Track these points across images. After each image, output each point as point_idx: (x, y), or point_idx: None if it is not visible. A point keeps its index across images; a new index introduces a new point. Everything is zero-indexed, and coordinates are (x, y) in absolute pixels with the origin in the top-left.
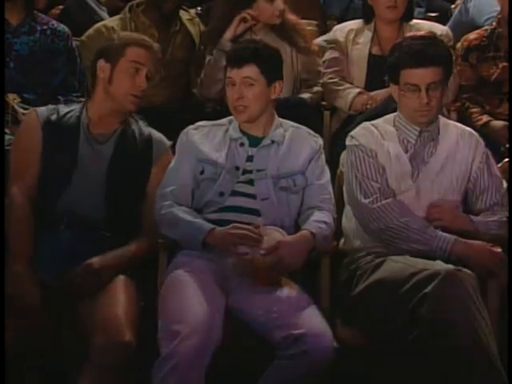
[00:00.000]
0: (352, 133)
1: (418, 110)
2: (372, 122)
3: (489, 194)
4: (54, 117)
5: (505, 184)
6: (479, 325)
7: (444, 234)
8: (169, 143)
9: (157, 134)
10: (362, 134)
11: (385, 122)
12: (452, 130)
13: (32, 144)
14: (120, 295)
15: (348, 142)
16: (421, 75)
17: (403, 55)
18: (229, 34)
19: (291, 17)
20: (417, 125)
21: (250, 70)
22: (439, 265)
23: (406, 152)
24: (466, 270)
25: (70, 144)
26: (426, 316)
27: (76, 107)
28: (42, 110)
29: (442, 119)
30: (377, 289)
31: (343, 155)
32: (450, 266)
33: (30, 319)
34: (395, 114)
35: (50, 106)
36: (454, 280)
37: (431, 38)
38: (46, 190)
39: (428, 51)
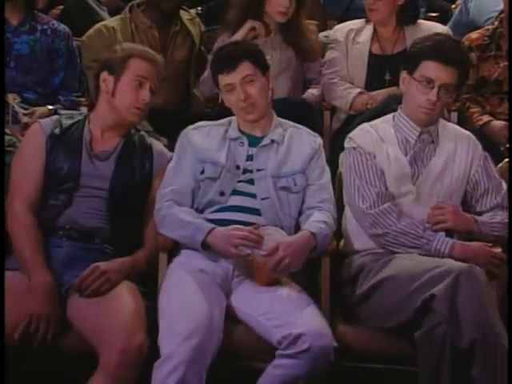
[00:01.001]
0: (350, 134)
1: (423, 106)
2: (371, 122)
3: (489, 196)
4: (57, 130)
5: (504, 186)
6: (493, 320)
7: (442, 237)
8: (170, 154)
9: (157, 146)
10: (360, 135)
11: (384, 123)
12: (450, 132)
13: (36, 157)
14: (127, 299)
15: (346, 144)
16: (440, 71)
17: (430, 47)
18: (238, 36)
19: (302, 21)
20: (416, 123)
21: (247, 68)
22: (451, 262)
23: (406, 154)
24: (477, 267)
25: (71, 161)
26: (439, 312)
27: (78, 118)
28: (47, 123)
29: (442, 121)
30: (387, 285)
31: (342, 156)
32: (463, 264)
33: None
34: (395, 113)
35: (53, 117)
36: (468, 277)
37: (461, 44)
38: (47, 205)
39: (455, 52)
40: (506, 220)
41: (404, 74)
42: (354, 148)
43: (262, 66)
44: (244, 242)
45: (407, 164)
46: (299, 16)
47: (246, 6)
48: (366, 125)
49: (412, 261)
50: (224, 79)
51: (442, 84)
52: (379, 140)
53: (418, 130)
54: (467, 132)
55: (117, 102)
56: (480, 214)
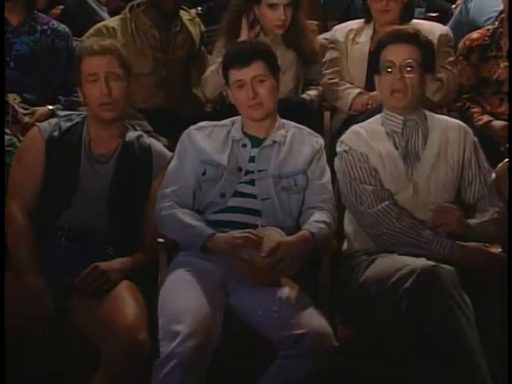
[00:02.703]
0: (341, 138)
1: (394, 91)
2: (360, 123)
3: (476, 185)
4: (56, 133)
5: (493, 175)
6: (457, 321)
7: (442, 237)
8: (170, 154)
9: (157, 147)
10: (350, 138)
11: (373, 122)
12: (441, 123)
13: (34, 161)
14: (128, 298)
15: (338, 147)
16: (397, 51)
17: (384, 37)
18: (244, 37)
19: (302, 21)
20: (397, 112)
21: (259, 67)
22: (420, 261)
23: (397, 148)
24: (444, 265)
25: (71, 164)
26: (405, 311)
27: (77, 120)
28: (45, 127)
29: (427, 113)
30: (368, 285)
31: (336, 161)
32: (429, 263)
33: (40, 332)
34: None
35: (52, 121)
36: (429, 276)
37: (414, 29)
38: (46, 207)
39: (404, 31)
40: (495, 215)
41: (376, 78)
42: (346, 151)
43: (274, 68)
44: (244, 243)
45: (400, 159)
46: (298, 17)
47: (241, 8)
48: (355, 126)
49: (390, 259)
50: (236, 75)
51: (403, 62)
52: (369, 139)
53: (400, 118)
54: (456, 120)
55: (88, 105)
56: (468, 205)
